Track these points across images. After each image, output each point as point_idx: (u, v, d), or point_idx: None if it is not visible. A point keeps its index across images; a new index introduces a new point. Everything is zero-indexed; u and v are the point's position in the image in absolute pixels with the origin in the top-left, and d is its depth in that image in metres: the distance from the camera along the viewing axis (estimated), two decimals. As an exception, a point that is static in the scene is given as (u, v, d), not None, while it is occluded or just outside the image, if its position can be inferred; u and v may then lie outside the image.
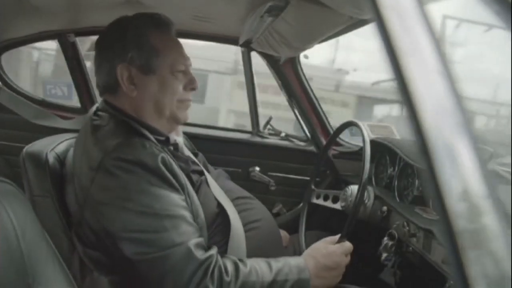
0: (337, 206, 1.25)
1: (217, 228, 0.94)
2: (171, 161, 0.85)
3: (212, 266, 0.79)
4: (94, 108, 0.96)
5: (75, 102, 1.87)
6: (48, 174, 0.94)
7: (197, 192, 0.92)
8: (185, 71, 0.95)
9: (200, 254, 0.78)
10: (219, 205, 0.95)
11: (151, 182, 0.80)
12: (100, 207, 0.80)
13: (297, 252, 1.20)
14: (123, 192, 0.79)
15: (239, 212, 0.98)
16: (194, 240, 0.79)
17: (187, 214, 0.82)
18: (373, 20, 0.36)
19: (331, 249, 0.95)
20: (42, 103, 1.80)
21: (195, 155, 1.13)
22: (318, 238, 1.04)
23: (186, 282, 0.76)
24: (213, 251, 0.82)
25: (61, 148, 1.00)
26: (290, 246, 1.25)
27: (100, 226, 0.81)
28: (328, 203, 1.29)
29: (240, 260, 0.85)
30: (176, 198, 0.82)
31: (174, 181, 0.83)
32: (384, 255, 1.11)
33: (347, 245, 0.97)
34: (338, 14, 1.01)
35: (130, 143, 0.82)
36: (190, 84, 0.96)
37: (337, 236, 0.99)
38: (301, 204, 1.49)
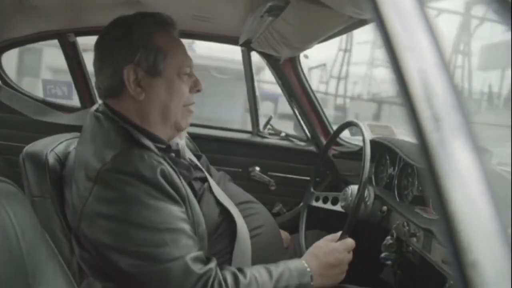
0: (337, 207, 1.25)
1: (221, 235, 0.93)
2: (171, 172, 0.83)
3: (211, 279, 0.78)
4: (94, 107, 0.94)
5: (75, 101, 1.88)
6: (48, 175, 0.93)
7: (199, 201, 0.91)
8: (189, 73, 0.93)
9: (198, 268, 0.77)
10: (223, 212, 0.94)
11: (150, 194, 0.78)
12: (97, 219, 0.79)
13: (298, 252, 1.19)
14: (122, 205, 0.78)
15: (243, 217, 0.97)
16: (193, 254, 0.78)
17: (186, 227, 0.81)
18: (373, 20, 0.36)
19: (333, 247, 0.95)
20: (42, 103, 1.80)
21: (199, 157, 1.11)
22: (318, 238, 1.04)
23: None
24: (212, 264, 0.80)
25: (61, 148, 1.00)
26: (291, 246, 1.25)
27: (97, 237, 0.79)
28: (328, 205, 1.29)
29: (240, 270, 0.83)
30: (176, 210, 0.81)
31: (174, 193, 0.81)
32: (384, 253, 1.11)
33: (349, 241, 0.97)
34: (338, 14, 1.01)
35: (129, 155, 0.80)
36: (195, 86, 0.94)
37: (338, 234, 0.99)
38: (301, 205, 1.49)
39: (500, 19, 0.39)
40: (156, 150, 0.86)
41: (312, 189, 1.36)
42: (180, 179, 0.85)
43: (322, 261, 0.91)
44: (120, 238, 0.77)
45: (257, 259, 0.92)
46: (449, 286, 0.89)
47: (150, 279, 0.76)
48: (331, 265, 0.92)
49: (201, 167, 1.04)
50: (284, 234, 1.24)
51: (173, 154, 0.94)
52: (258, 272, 0.84)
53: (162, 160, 0.83)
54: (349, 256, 0.96)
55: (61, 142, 1.01)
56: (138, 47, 0.86)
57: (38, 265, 0.60)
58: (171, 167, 0.84)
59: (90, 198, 0.79)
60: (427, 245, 0.98)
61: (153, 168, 0.80)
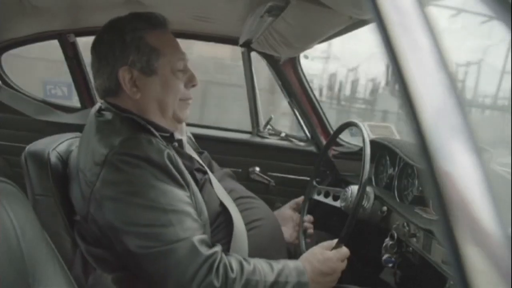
0: (337, 204, 1.25)
1: (219, 227, 0.94)
2: (177, 157, 0.85)
3: (217, 262, 0.79)
4: (97, 106, 0.96)
5: (75, 102, 1.88)
6: (50, 173, 0.94)
7: (201, 190, 0.93)
8: (184, 69, 0.96)
9: (204, 250, 0.79)
10: (222, 204, 0.96)
11: (157, 177, 0.80)
12: (106, 202, 0.81)
13: (297, 252, 1.19)
14: (130, 186, 0.80)
15: (242, 211, 0.98)
16: (198, 236, 0.80)
17: (191, 210, 0.83)
18: (373, 20, 0.36)
19: (328, 256, 0.95)
20: (43, 103, 1.80)
21: (200, 153, 1.13)
22: (318, 238, 1.03)
23: (191, 277, 0.77)
24: (218, 248, 0.82)
25: (62, 147, 1.00)
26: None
27: (106, 220, 0.81)
28: (329, 200, 1.29)
29: (244, 258, 0.85)
30: (182, 194, 0.83)
31: (179, 177, 0.84)
32: (386, 256, 1.10)
33: (344, 250, 0.98)
34: (338, 14, 1.01)
35: (136, 139, 0.83)
36: (191, 82, 0.97)
37: (334, 241, 0.99)
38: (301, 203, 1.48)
39: (500, 19, 0.39)
40: (160, 137, 0.88)
41: (314, 183, 1.36)
42: (183, 166, 0.87)
43: (316, 268, 0.92)
44: (127, 219, 0.79)
45: (256, 252, 0.93)
46: (449, 286, 0.89)
47: (157, 260, 0.78)
48: (324, 273, 0.93)
49: (202, 163, 1.05)
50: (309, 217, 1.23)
51: (176, 144, 0.96)
52: (260, 264, 0.85)
53: (167, 146, 0.86)
54: (343, 265, 0.97)
55: (62, 142, 1.02)
56: (131, 49, 0.89)
57: (38, 265, 0.60)
58: (175, 153, 0.87)
59: (98, 182, 0.81)
60: (427, 245, 0.98)
61: (160, 152, 0.82)
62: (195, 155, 1.06)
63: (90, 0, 1.34)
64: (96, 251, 0.87)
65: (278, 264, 0.87)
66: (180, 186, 0.83)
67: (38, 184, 0.94)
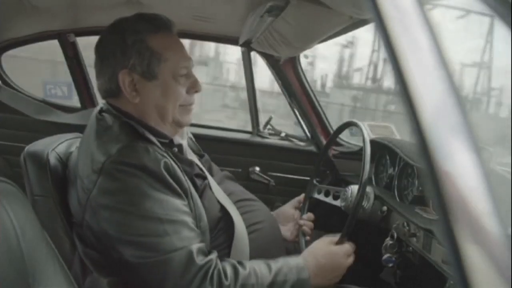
0: (338, 203, 1.25)
1: (220, 231, 0.94)
2: (174, 165, 0.85)
3: (211, 270, 0.79)
4: (98, 108, 0.96)
5: (75, 102, 1.88)
6: (49, 174, 0.94)
7: (201, 196, 0.92)
8: (187, 74, 0.93)
9: (200, 260, 0.79)
10: (222, 208, 0.95)
11: (153, 186, 0.80)
12: (101, 210, 0.81)
13: (297, 252, 1.20)
14: (125, 196, 0.79)
15: (242, 214, 0.98)
16: (195, 246, 0.80)
17: (188, 219, 0.83)
18: (373, 20, 0.36)
19: (334, 250, 0.95)
20: (43, 103, 1.80)
21: (201, 156, 1.12)
22: (317, 237, 1.03)
23: (186, 287, 0.77)
24: (213, 255, 0.82)
25: (62, 148, 1.00)
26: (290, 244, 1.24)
27: (101, 229, 0.81)
28: (329, 199, 1.29)
29: (239, 263, 0.85)
30: (178, 203, 0.82)
31: (176, 186, 0.83)
32: (386, 255, 1.10)
33: (349, 246, 0.98)
34: (338, 14, 1.01)
35: (133, 148, 0.82)
36: (193, 88, 0.95)
37: (337, 236, 0.99)
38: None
39: (500, 19, 0.39)
40: (159, 144, 0.88)
41: (314, 182, 1.36)
42: (182, 174, 0.86)
43: (320, 262, 0.92)
44: (123, 228, 0.79)
45: (256, 254, 0.93)
46: (449, 286, 0.89)
47: (152, 269, 0.78)
48: (329, 267, 0.92)
49: (202, 167, 1.04)
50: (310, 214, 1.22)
51: (175, 149, 0.95)
52: (257, 266, 0.85)
53: (165, 154, 0.85)
54: (349, 260, 0.97)
55: (62, 142, 1.02)
56: (132, 52, 0.87)
57: (38, 265, 0.60)
58: (174, 161, 0.86)
59: (94, 190, 0.81)
60: (427, 245, 0.98)
61: (157, 161, 0.81)
62: (195, 159, 1.05)
63: (90, 0, 1.34)
64: (93, 254, 0.87)
65: (277, 263, 0.87)
66: (177, 195, 0.83)
67: (37, 185, 0.94)
